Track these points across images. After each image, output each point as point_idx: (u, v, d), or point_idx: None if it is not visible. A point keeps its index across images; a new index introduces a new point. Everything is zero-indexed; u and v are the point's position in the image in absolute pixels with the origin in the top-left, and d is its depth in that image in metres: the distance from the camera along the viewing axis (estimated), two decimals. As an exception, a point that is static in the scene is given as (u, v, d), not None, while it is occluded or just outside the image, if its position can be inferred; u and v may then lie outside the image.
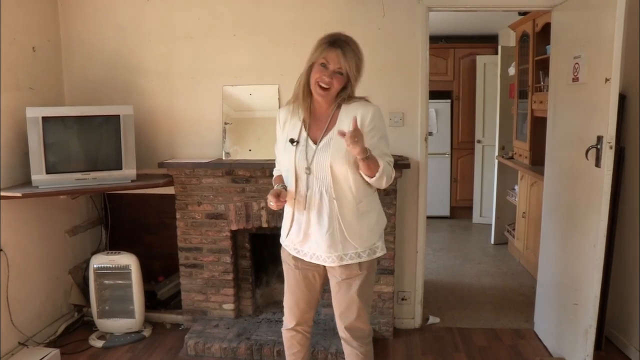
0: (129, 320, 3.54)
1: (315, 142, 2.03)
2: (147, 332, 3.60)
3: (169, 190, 3.53)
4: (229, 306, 3.57)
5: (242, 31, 3.49)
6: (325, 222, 2.02)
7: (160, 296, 3.84)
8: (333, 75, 1.95)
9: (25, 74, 3.32)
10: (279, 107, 3.28)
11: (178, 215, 3.50)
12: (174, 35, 3.57)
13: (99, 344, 3.43)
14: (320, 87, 1.96)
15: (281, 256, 2.27)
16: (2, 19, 3.06)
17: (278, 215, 3.35)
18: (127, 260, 3.47)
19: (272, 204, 2.02)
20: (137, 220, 3.91)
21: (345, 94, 2.01)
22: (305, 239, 2.10)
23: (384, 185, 1.99)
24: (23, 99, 3.25)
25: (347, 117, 1.99)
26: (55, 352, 3.14)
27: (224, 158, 3.50)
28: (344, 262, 2.07)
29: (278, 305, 3.70)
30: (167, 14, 3.57)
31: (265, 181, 3.34)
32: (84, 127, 3.27)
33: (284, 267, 2.27)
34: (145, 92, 3.63)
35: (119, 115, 3.27)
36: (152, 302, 3.78)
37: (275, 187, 2.13)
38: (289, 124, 2.12)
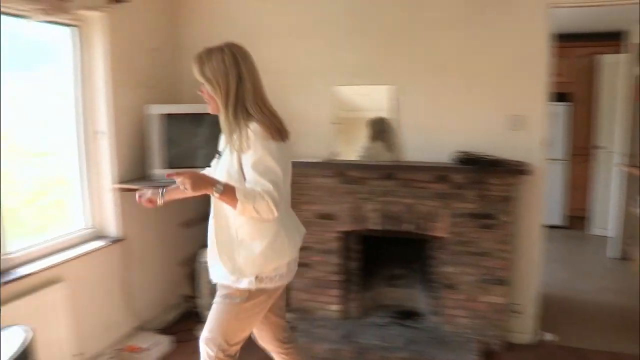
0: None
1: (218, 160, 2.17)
2: (254, 327, 3.87)
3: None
4: (335, 307, 3.77)
5: (355, 30, 3.68)
6: (210, 243, 2.15)
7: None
8: (203, 87, 2.09)
9: (147, 73, 3.70)
10: (390, 109, 3.46)
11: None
12: (288, 35, 3.83)
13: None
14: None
15: None
16: (129, 23, 3.45)
17: (389, 217, 3.52)
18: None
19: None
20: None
21: (229, 108, 2.01)
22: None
23: (259, 215, 1.88)
24: (144, 97, 3.63)
25: (232, 136, 2.06)
26: (169, 338, 3.47)
27: (333, 158, 3.71)
28: (214, 278, 2.18)
29: (385, 309, 3.87)
30: (282, 14, 3.83)
31: (377, 183, 3.51)
32: (201, 124, 3.59)
33: None
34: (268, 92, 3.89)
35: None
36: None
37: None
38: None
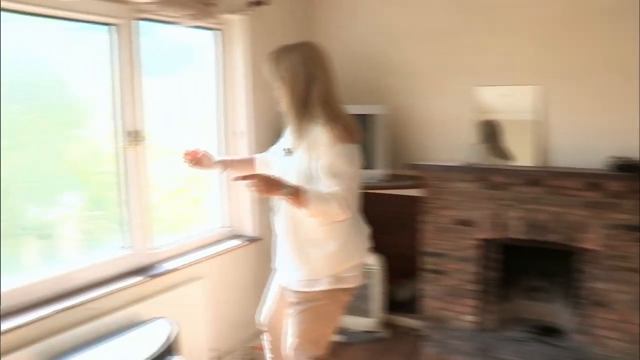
0: (367, 319, 3.82)
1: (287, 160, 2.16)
2: (384, 334, 3.85)
3: (409, 191, 3.73)
4: (471, 318, 3.65)
5: (499, 28, 3.52)
6: (281, 244, 2.19)
7: (398, 298, 4.06)
8: (274, 86, 2.08)
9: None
10: (536, 111, 3.28)
11: (425, 219, 3.67)
12: (425, 34, 3.75)
13: (339, 337, 3.76)
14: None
15: None
16: (267, 26, 3.53)
17: (533, 226, 3.35)
18: (373, 260, 3.76)
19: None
20: (374, 219, 4.15)
21: (301, 108, 2.03)
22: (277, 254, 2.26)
23: (329, 217, 1.96)
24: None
25: (305, 137, 2.07)
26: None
27: (473, 162, 3.58)
28: (285, 285, 2.21)
29: (523, 323, 3.69)
30: (419, 13, 3.75)
31: (522, 189, 3.35)
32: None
33: None
34: (393, 92, 3.87)
35: (373, 115, 3.55)
36: (387, 302, 4.03)
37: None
38: (285, 135, 2.28)
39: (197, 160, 2.34)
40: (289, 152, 2.12)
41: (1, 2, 2.24)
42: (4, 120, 2.75)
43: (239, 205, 3.51)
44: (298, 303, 2.15)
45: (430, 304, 3.74)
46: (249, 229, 3.46)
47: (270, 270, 3.54)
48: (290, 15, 3.77)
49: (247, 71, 3.34)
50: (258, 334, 3.43)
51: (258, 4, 3.34)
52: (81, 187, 3.18)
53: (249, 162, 2.47)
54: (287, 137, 2.18)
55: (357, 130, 2.05)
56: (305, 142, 2.00)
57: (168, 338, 2.46)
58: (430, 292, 3.72)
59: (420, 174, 3.62)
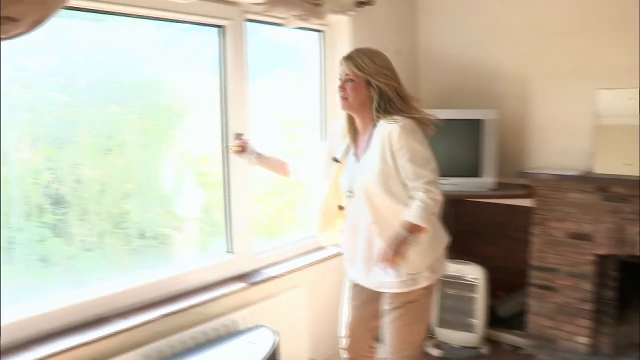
0: (469, 334, 3.62)
1: (357, 161, 2.13)
2: (485, 350, 3.64)
3: (516, 201, 3.50)
4: (583, 340, 3.37)
5: (626, 25, 3.23)
6: (363, 247, 2.13)
7: (499, 313, 3.83)
8: (345, 83, 2.07)
9: (389, 76, 3.63)
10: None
11: (535, 231, 3.43)
12: (539, 34, 3.50)
13: (436, 352, 3.59)
14: (340, 98, 2.10)
15: None
16: (372, 26, 3.41)
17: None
18: (475, 272, 3.55)
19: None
20: (476, 228, 3.97)
21: (381, 105, 2.05)
22: (350, 261, 2.25)
23: (433, 219, 2.02)
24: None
25: (377, 135, 2.05)
26: None
27: (592, 171, 3.31)
28: (382, 290, 2.14)
29: (643, 349, 3.38)
30: (534, 11, 3.51)
31: (648, 202, 3.06)
32: (443, 131, 3.42)
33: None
34: (502, 96, 3.64)
35: (481, 120, 3.34)
36: (488, 317, 3.81)
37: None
38: (339, 140, 2.25)
39: (243, 148, 2.48)
40: (355, 155, 2.17)
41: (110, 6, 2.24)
42: (107, 121, 2.78)
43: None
44: (398, 307, 2.17)
45: (536, 321, 3.49)
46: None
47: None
48: (394, 16, 3.63)
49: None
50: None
51: (363, 4, 3.23)
52: (183, 189, 3.19)
53: (281, 164, 2.50)
54: (339, 143, 2.24)
55: (430, 123, 2.12)
56: (377, 140, 2.04)
57: (271, 348, 2.39)
58: (538, 308, 3.47)
59: (530, 183, 3.37)
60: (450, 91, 3.76)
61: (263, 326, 2.59)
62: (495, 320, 3.82)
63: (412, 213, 1.95)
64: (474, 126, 3.32)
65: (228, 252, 2.73)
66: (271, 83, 3.26)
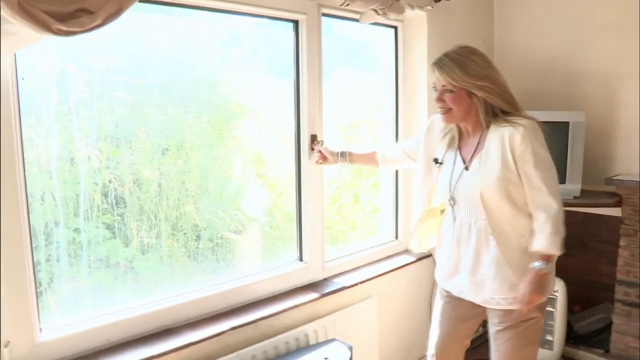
0: (546, 351, 3.36)
1: (466, 168, 1.95)
2: (562, 368, 3.38)
3: (597, 209, 3.25)
4: (676, 364, 3.08)
5: None
6: (472, 259, 1.95)
7: (577, 329, 3.56)
8: (443, 95, 1.89)
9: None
10: None
11: (622, 243, 3.15)
12: (629, 29, 3.21)
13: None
14: (441, 111, 1.93)
15: None
16: (448, 23, 3.20)
17: None
18: (555, 285, 3.29)
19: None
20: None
21: (489, 111, 1.90)
22: (450, 273, 2.06)
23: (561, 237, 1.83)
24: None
25: (494, 138, 1.87)
26: None
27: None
28: (489, 306, 1.98)
29: None
30: (623, 4, 3.23)
31: None
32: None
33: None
34: (587, 97, 3.36)
35: (567, 122, 3.08)
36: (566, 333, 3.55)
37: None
38: (439, 140, 2.09)
39: (324, 158, 2.40)
40: (465, 163, 2.00)
41: None
42: (167, 121, 2.65)
43: (409, 218, 3.18)
44: (511, 326, 1.98)
45: (622, 341, 3.21)
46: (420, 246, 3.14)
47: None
48: (471, 12, 3.41)
49: (426, 71, 3.03)
50: (423, 355, 3.13)
51: (439, -1, 3.03)
52: (247, 191, 3.04)
53: (369, 156, 2.42)
54: (437, 144, 2.10)
55: (543, 127, 1.93)
56: (495, 144, 1.88)
57: (348, 361, 2.21)
58: (623, 327, 3.19)
59: (618, 191, 3.09)
60: (530, 92, 3.49)
61: (336, 340, 2.43)
62: (571, 336, 3.56)
63: (545, 243, 1.81)
64: (560, 129, 3.06)
65: (299, 260, 2.54)
66: (339, 82, 3.07)
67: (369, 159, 2.40)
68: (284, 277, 2.47)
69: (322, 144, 2.50)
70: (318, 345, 2.32)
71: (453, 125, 2.01)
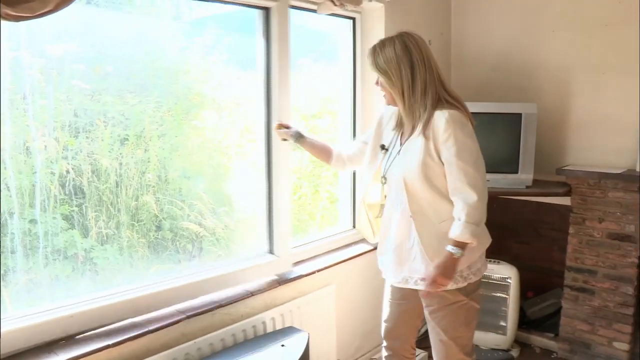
0: (499, 336, 3.45)
1: (399, 152, 1.98)
2: (515, 353, 3.47)
3: (550, 198, 3.33)
4: (622, 346, 3.19)
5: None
6: (395, 238, 1.99)
7: (530, 315, 3.66)
8: (378, 80, 1.97)
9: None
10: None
11: (571, 231, 3.25)
12: (582, 24, 3.29)
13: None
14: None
15: None
16: (405, 17, 3.23)
17: None
18: (508, 271, 3.37)
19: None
20: (505, 226, 3.79)
21: (407, 101, 1.93)
22: (382, 251, 2.10)
23: (480, 229, 1.86)
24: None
25: (421, 124, 1.92)
26: (424, 354, 3.23)
27: (636, 169, 3.12)
28: (408, 286, 2.01)
29: (686, 355, 3.20)
30: (579, 0, 3.31)
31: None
32: (478, 125, 3.24)
33: None
34: (540, 90, 3.44)
35: (520, 114, 3.15)
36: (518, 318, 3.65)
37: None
38: (387, 127, 2.09)
39: (286, 126, 2.35)
40: (383, 147, 2.08)
41: None
42: (126, 111, 2.62)
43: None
44: (439, 309, 2.02)
45: (570, 324, 3.32)
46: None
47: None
48: (428, 5, 3.44)
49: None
50: (380, 343, 3.18)
51: (397, -9, 3.05)
52: (210, 183, 3.03)
53: (326, 149, 2.33)
54: (388, 131, 2.10)
55: (471, 118, 1.97)
56: (419, 132, 1.90)
57: (304, 351, 2.24)
58: (572, 311, 3.29)
59: (569, 181, 3.18)
60: (485, 84, 3.57)
61: (293, 327, 2.44)
62: (524, 321, 3.65)
63: (457, 230, 1.82)
64: (512, 121, 3.13)
65: (269, 252, 2.55)
66: (300, 73, 3.07)
67: (321, 150, 2.32)
68: (255, 269, 2.47)
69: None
70: (276, 332, 2.33)
71: (397, 110, 2.02)
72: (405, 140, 1.96)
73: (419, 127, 1.88)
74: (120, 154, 2.81)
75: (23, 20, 1.37)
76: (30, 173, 2.58)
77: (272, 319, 2.43)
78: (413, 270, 1.97)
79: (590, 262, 3.19)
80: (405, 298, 2.13)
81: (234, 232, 2.80)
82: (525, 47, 3.43)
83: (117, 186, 2.82)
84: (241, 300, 2.30)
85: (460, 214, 1.81)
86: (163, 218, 2.72)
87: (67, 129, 2.70)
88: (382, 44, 1.92)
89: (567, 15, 3.28)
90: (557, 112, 3.38)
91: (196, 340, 2.16)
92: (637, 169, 3.06)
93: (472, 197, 1.81)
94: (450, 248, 1.83)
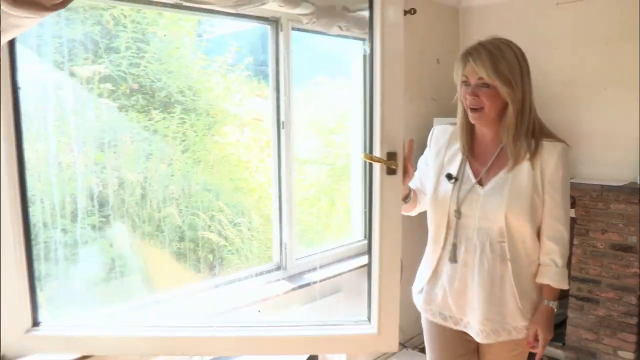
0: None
1: (479, 182, 1.67)
2: (522, 361, 3.55)
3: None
4: (627, 355, 3.26)
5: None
6: (487, 285, 1.65)
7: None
8: (478, 90, 1.59)
9: (430, 85, 3.59)
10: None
11: (576, 242, 3.33)
12: (585, 41, 3.42)
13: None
14: (471, 109, 1.63)
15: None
16: (413, 35, 3.38)
17: None
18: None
19: None
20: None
21: (524, 119, 1.62)
22: (455, 301, 1.73)
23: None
24: (427, 109, 3.53)
25: (523, 155, 1.63)
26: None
27: (638, 181, 3.21)
28: (501, 338, 1.67)
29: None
30: (580, 18, 3.43)
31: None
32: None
33: (423, 321, 1.90)
34: (543, 104, 3.56)
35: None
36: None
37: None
38: (448, 151, 1.78)
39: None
40: (471, 174, 1.72)
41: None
42: (149, 127, 2.79)
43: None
44: (515, 355, 1.74)
45: (576, 334, 3.40)
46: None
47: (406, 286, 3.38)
48: (436, 24, 3.59)
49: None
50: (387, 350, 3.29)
51: (406, 12, 3.20)
52: (230, 195, 3.19)
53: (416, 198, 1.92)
54: (450, 156, 1.77)
55: None
56: (526, 161, 1.62)
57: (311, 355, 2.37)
58: (577, 320, 3.37)
59: (573, 193, 3.28)
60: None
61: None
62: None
63: (556, 277, 1.61)
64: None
65: (279, 268, 2.71)
66: (317, 90, 3.23)
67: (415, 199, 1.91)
68: (263, 281, 2.62)
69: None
70: None
71: (461, 133, 1.74)
72: (489, 171, 1.67)
73: (525, 155, 1.62)
74: (145, 168, 2.99)
75: (67, 5, 1.42)
76: (61, 186, 2.75)
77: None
78: (501, 320, 1.66)
79: (594, 272, 3.28)
80: (470, 352, 1.81)
81: (251, 242, 2.97)
82: (530, 63, 3.54)
83: (142, 199, 2.97)
84: (252, 304, 2.44)
85: (555, 256, 1.60)
86: (185, 229, 2.85)
87: (95, 144, 2.88)
88: (497, 46, 1.60)
89: (569, 34, 3.40)
90: (561, 126, 3.48)
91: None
92: (638, 182, 3.14)
93: (566, 238, 1.62)
94: (549, 302, 1.63)
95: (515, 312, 1.65)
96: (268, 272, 2.65)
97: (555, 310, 1.64)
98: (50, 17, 2.96)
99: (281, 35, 2.58)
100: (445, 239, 1.70)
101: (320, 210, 3.46)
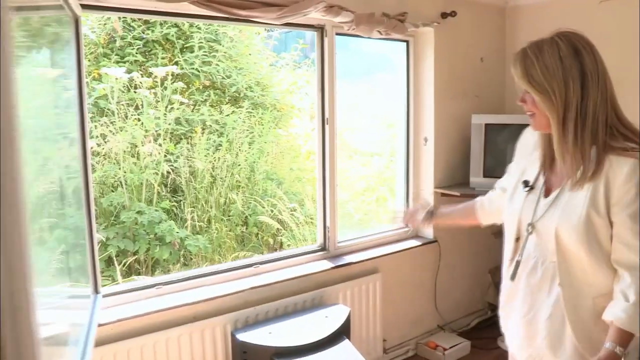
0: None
1: (545, 193, 1.46)
2: None
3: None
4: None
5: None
6: (528, 302, 1.46)
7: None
8: (525, 95, 1.39)
9: (473, 83, 3.72)
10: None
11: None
12: (629, 40, 3.47)
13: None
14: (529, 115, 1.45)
15: None
16: (458, 35, 3.54)
17: None
18: None
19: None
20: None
21: (566, 133, 1.36)
22: (507, 315, 1.55)
23: None
24: (469, 106, 3.67)
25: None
26: (466, 343, 3.48)
27: None
28: None
29: None
30: (623, 16, 3.48)
31: None
32: (515, 136, 3.51)
33: None
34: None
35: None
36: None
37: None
38: (531, 156, 1.55)
39: (413, 220, 1.87)
40: (527, 185, 1.53)
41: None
42: (219, 120, 3.12)
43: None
44: None
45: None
46: (428, 232, 3.52)
47: (445, 271, 3.57)
48: (480, 24, 3.73)
49: (434, 80, 3.39)
50: (430, 333, 3.50)
51: (447, 15, 3.38)
52: (291, 184, 3.38)
53: (468, 210, 1.82)
54: (531, 163, 1.56)
55: None
56: (585, 177, 1.37)
57: (345, 321, 2.64)
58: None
59: None
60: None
61: (340, 304, 2.84)
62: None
63: (623, 315, 1.29)
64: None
65: (320, 248, 3.01)
66: (365, 88, 3.31)
67: (463, 213, 1.84)
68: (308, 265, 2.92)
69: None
70: (322, 306, 2.76)
71: (541, 139, 1.54)
72: (558, 184, 1.46)
73: (585, 172, 1.39)
74: (215, 157, 3.26)
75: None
76: (139, 173, 3.09)
77: (326, 295, 2.85)
78: (540, 348, 1.47)
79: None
80: None
81: (305, 227, 3.21)
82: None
83: (211, 186, 3.26)
84: (298, 278, 2.75)
85: (628, 290, 1.31)
86: (249, 215, 3.07)
87: (170, 136, 3.19)
88: (539, 47, 1.39)
89: (614, 32, 3.41)
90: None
91: (256, 307, 2.63)
92: None
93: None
94: (614, 347, 1.31)
95: (557, 345, 1.43)
96: (313, 252, 2.93)
97: (618, 354, 1.29)
98: (132, 21, 3.46)
99: (326, 40, 2.86)
100: (514, 252, 1.57)
101: (379, 200, 3.73)
